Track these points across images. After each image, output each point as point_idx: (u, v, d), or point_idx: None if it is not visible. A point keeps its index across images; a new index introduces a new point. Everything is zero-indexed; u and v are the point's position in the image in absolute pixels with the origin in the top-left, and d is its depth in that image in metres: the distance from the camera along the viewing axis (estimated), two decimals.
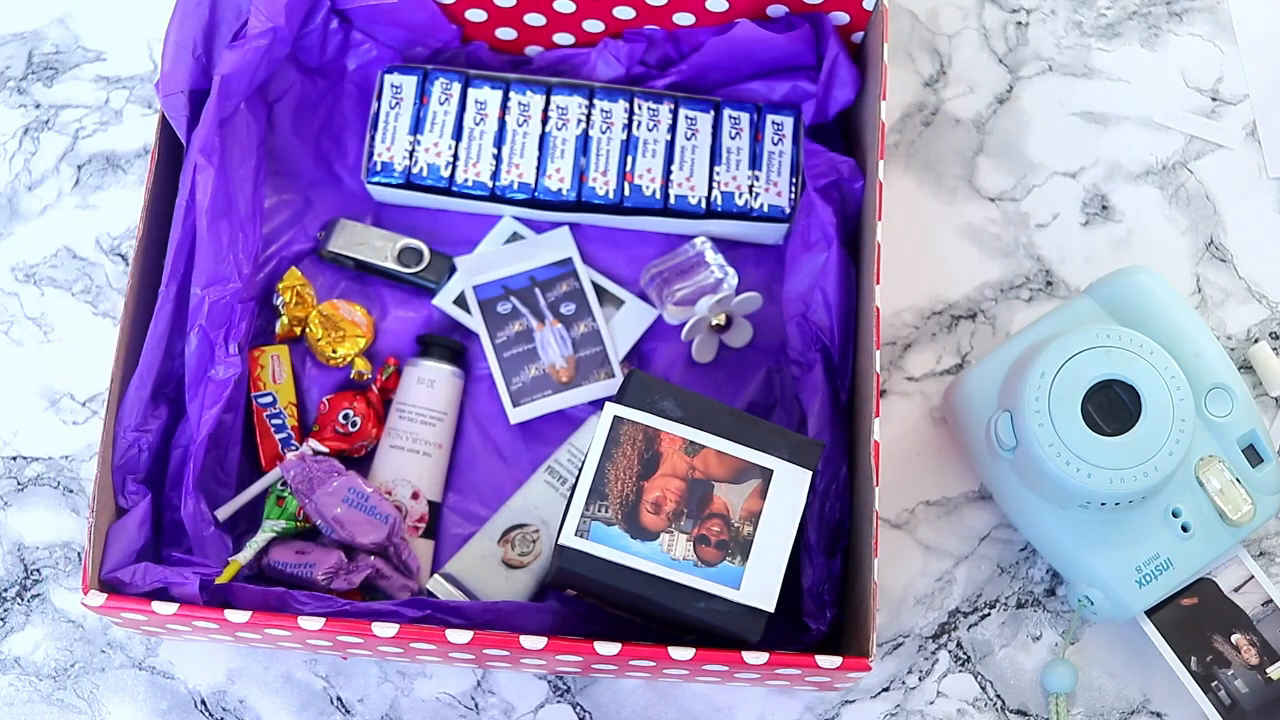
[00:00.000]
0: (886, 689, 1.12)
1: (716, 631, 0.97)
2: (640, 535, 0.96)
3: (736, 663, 0.96)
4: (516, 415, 1.14)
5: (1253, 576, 1.09)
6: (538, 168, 1.17)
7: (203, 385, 1.07)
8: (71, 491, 1.14)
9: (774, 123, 1.18)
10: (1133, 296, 1.10)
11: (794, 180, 1.17)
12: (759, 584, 0.96)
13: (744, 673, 1.00)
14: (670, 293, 1.14)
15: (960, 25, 1.27)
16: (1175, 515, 1.06)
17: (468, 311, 1.16)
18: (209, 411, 1.06)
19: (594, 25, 1.17)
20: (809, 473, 0.98)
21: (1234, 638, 1.08)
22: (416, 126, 1.17)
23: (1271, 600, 1.08)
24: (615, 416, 0.97)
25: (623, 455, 0.96)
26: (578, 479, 1.00)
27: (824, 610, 1.04)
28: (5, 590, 1.12)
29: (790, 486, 0.97)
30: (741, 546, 0.96)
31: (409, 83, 1.18)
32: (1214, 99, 1.25)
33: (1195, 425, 1.06)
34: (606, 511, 0.96)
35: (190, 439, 1.07)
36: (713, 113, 1.18)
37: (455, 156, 1.17)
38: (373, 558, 1.07)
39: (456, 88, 1.18)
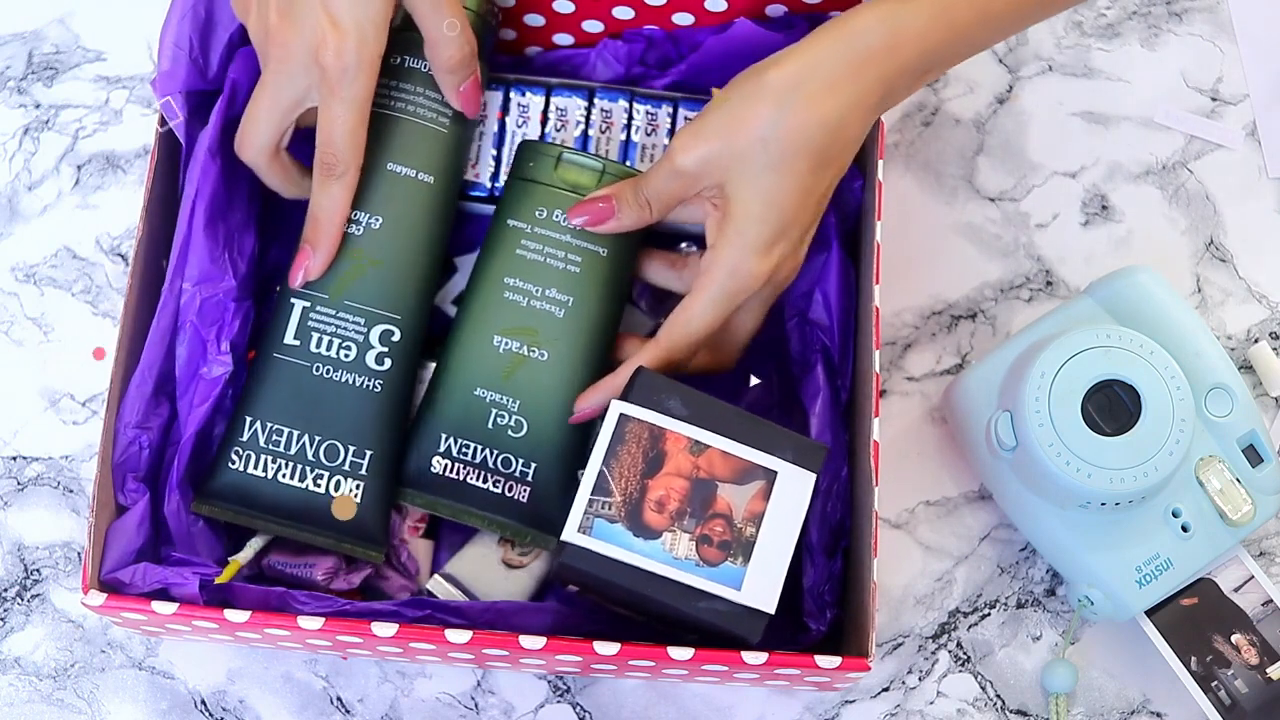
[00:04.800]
0: (886, 689, 1.12)
1: (717, 631, 0.97)
2: (643, 533, 0.96)
3: (736, 663, 0.96)
4: None
5: (1253, 576, 1.09)
6: None
7: (193, 383, 1.07)
8: (71, 491, 1.14)
9: None
10: (1133, 296, 1.10)
11: None
12: (760, 585, 0.96)
13: (744, 673, 1.00)
14: None
15: None
16: (1175, 515, 1.07)
17: None
18: (198, 409, 1.06)
19: (593, 26, 1.17)
20: (813, 475, 0.98)
21: (1234, 638, 1.08)
22: None
23: (1271, 600, 1.08)
24: (621, 414, 0.97)
25: (627, 453, 0.96)
26: (581, 476, 1.00)
27: (824, 610, 1.04)
28: (5, 590, 1.12)
29: (794, 489, 0.97)
30: (744, 548, 0.96)
31: None
32: (1214, 99, 1.25)
33: (1195, 425, 1.06)
34: (610, 509, 0.96)
35: (178, 436, 1.07)
36: None
37: None
38: None
39: None
